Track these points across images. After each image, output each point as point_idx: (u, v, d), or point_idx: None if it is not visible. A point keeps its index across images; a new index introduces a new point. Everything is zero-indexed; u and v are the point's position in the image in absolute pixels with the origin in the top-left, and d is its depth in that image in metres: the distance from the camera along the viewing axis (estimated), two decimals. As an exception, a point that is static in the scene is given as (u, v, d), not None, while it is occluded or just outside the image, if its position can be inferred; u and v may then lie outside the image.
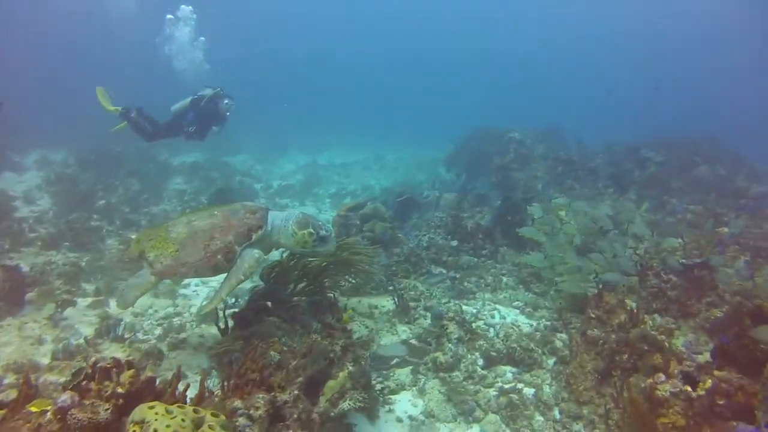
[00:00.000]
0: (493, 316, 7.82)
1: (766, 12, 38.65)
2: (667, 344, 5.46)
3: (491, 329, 7.31)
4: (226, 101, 10.69)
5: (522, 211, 10.53)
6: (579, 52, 58.69)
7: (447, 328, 6.86)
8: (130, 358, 5.94)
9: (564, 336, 7.00)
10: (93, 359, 3.62)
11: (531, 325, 7.55)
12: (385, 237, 9.33)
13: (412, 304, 7.71)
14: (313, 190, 18.51)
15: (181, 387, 3.66)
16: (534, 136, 18.16)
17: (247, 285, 7.22)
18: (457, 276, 8.86)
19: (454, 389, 5.87)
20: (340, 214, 10.45)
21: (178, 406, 3.12)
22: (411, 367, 6.28)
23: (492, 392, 5.95)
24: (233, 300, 7.51)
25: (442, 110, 43.72)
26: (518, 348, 6.52)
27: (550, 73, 57.97)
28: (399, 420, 5.46)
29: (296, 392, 4.15)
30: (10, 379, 5.35)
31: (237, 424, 3.61)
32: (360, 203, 10.82)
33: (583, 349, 5.92)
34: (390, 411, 5.59)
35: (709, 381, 4.40)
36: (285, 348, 4.94)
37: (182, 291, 8.49)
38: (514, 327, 7.27)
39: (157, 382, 3.72)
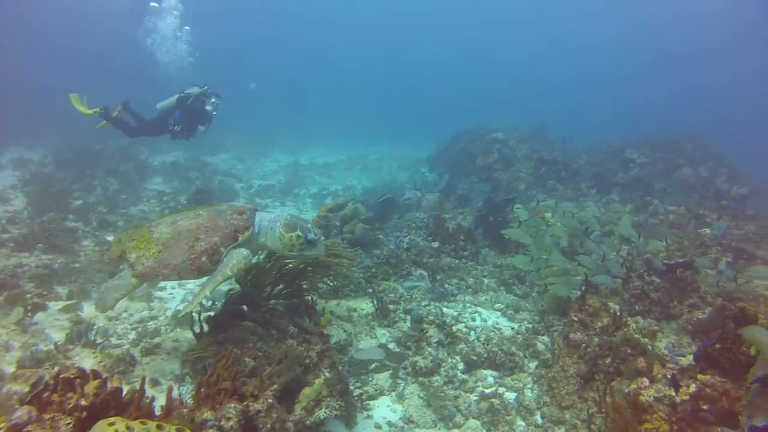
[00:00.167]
0: (474, 319, 7.69)
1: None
2: (650, 347, 5.38)
3: (472, 332, 7.18)
4: (212, 100, 10.52)
5: (504, 212, 10.45)
6: (566, 51, 58.99)
7: (427, 332, 6.75)
8: (102, 363, 5.81)
9: (546, 339, 6.91)
10: (56, 369, 3.44)
11: (512, 328, 7.43)
12: (365, 238, 9.19)
13: (391, 306, 7.57)
14: (294, 190, 18.31)
15: (152, 392, 3.49)
16: (518, 136, 18.12)
17: (225, 288, 7.05)
18: (438, 277, 8.73)
19: (434, 394, 5.76)
20: (320, 215, 10.31)
21: (141, 422, 2.95)
22: (390, 372, 6.15)
23: (473, 397, 5.86)
24: (210, 303, 7.31)
25: (427, 110, 43.64)
26: (499, 351, 6.43)
27: (536, 72, 58.14)
28: (377, 426, 5.34)
29: (270, 401, 4.01)
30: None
31: (207, 437, 3.46)
32: (340, 204, 10.68)
33: (566, 352, 5.85)
34: (368, 417, 5.48)
35: (693, 385, 4.33)
36: (260, 354, 4.80)
37: (158, 294, 8.28)
38: (496, 330, 7.16)
39: (125, 392, 3.55)
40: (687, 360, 5.79)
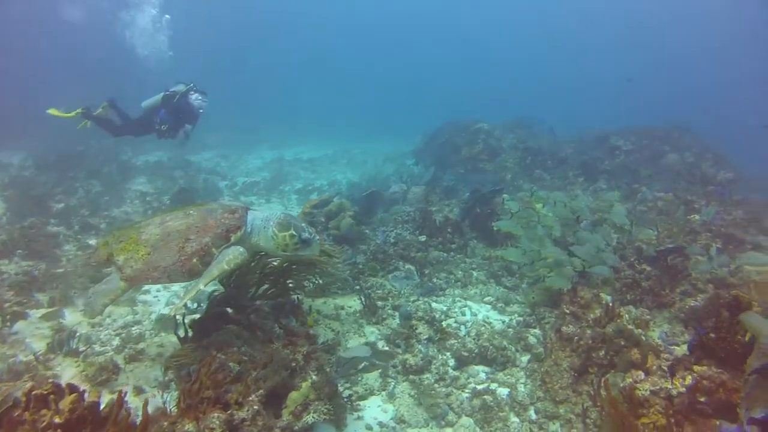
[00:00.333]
0: (463, 314, 7.57)
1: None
2: (644, 338, 5.29)
3: (462, 327, 7.07)
4: (199, 98, 10.32)
5: (491, 203, 10.35)
6: (565, 51, 59.07)
7: (416, 329, 6.62)
8: (84, 373, 5.64)
9: (537, 332, 6.80)
10: (29, 385, 3.28)
11: (503, 322, 7.33)
12: (350, 234, 9.05)
13: (379, 303, 7.43)
14: (279, 186, 18.11)
15: (136, 401, 3.33)
16: (503, 126, 18.03)
17: (209, 289, 6.87)
18: (426, 272, 8.60)
19: (425, 392, 5.64)
20: (304, 212, 10.15)
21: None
22: (379, 371, 6.02)
23: (465, 394, 5.75)
24: (196, 305, 7.13)
25: (412, 103, 43.56)
26: (490, 346, 6.31)
27: (534, 71, 58.20)
28: (368, 427, 5.22)
29: (256, 407, 3.87)
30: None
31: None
32: (325, 199, 10.51)
33: (558, 346, 5.76)
34: (359, 418, 5.35)
35: (689, 377, 4.24)
36: (245, 358, 4.65)
37: (142, 297, 8.07)
38: (486, 324, 7.06)
39: (104, 406, 3.40)
40: (681, 349, 5.72)
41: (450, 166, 16.18)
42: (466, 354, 6.27)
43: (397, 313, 7.22)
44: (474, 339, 6.48)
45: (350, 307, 7.45)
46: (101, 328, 6.93)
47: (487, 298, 8.04)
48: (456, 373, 6.07)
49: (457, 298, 8.01)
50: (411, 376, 5.95)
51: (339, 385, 5.37)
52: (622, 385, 4.67)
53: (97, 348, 6.36)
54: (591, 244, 6.94)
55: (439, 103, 39.49)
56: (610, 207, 8.65)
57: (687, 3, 47.34)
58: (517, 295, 8.12)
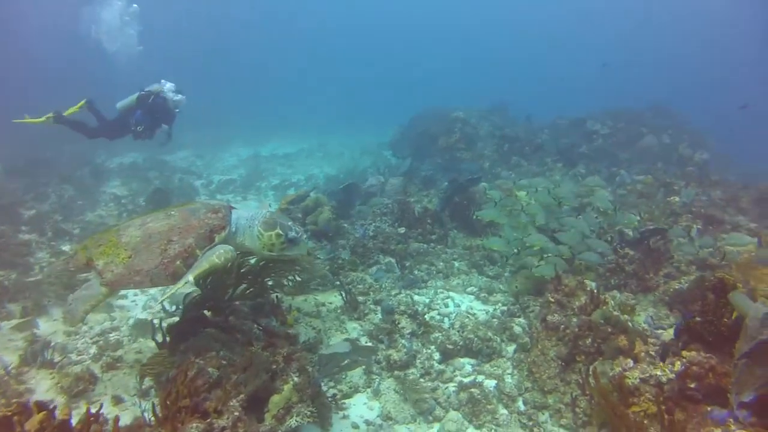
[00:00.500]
0: (446, 305, 7.47)
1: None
2: (630, 324, 5.22)
3: (446, 320, 6.97)
4: (175, 97, 10.09)
5: (469, 192, 10.25)
6: (525, 27, 59.09)
7: (399, 323, 6.50)
8: (59, 384, 5.44)
9: (522, 321, 6.73)
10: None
11: (487, 312, 7.24)
12: (328, 228, 8.89)
13: (360, 298, 7.28)
14: (255, 183, 17.90)
15: (115, 410, 3.17)
16: (479, 114, 17.96)
17: (188, 290, 6.68)
18: (407, 264, 8.48)
19: (411, 388, 5.54)
20: (281, 208, 9.97)
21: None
22: (363, 368, 5.90)
23: (451, 388, 5.67)
24: (174, 308, 6.92)
25: (388, 94, 43.35)
26: (475, 338, 6.21)
27: (495, 50, 58.19)
28: (355, 426, 5.12)
29: (236, 414, 3.71)
30: None
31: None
32: (301, 195, 10.32)
33: (544, 335, 5.68)
34: (344, 417, 5.24)
35: (678, 363, 4.16)
36: (224, 362, 4.49)
37: (119, 302, 7.87)
38: (470, 315, 6.96)
39: (75, 422, 3.23)
40: (668, 334, 5.65)
41: (428, 156, 16.06)
42: (450, 347, 6.17)
43: (379, 308, 7.10)
44: (458, 331, 6.37)
45: (331, 303, 7.29)
46: (77, 337, 6.72)
47: (469, 289, 7.95)
48: (441, 367, 5.98)
49: (439, 290, 7.90)
50: (396, 372, 5.84)
51: (322, 384, 5.25)
52: (611, 373, 4.59)
53: (74, 357, 6.16)
54: (576, 230, 6.88)
55: (416, 91, 39.47)
56: (592, 192, 8.60)
57: (687, 3, 47.67)
58: (500, 284, 8.04)
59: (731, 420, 3.47)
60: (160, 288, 6.89)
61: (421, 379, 5.74)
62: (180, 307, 6.59)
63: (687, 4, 47.64)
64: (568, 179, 12.20)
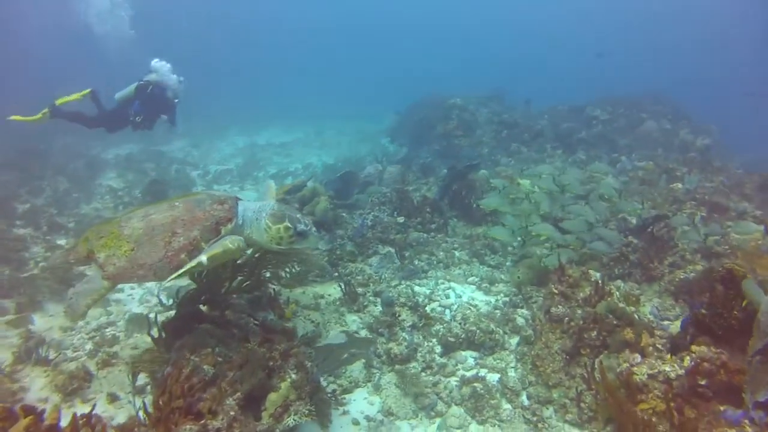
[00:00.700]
0: (447, 296, 7.34)
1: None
2: (636, 316, 5.10)
3: (447, 311, 6.85)
4: (174, 86, 9.94)
5: (469, 179, 10.12)
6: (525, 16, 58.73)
7: (399, 315, 6.39)
8: (53, 383, 5.31)
9: (525, 312, 6.61)
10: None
11: (489, 303, 7.12)
12: (326, 218, 8.74)
13: (360, 290, 7.16)
14: (252, 173, 17.74)
15: (110, 408, 3.04)
16: (477, 100, 17.77)
17: (183, 283, 6.53)
18: (407, 254, 8.35)
19: (412, 382, 5.44)
20: (276, 199, 9.80)
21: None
22: (363, 362, 5.78)
23: (453, 382, 5.57)
24: (171, 301, 6.76)
25: (386, 81, 42.97)
26: (478, 330, 6.09)
27: (494, 38, 57.89)
28: (355, 422, 5.03)
29: (232, 413, 3.61)
30: None
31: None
32: (298, 185, 10.13)
33: (548, 327, 5.55)
34: (344, 413, 5.15)
35: (688, 358, 4.05)
36: (219, 359, 4.35)
37: (116, 296, 7.72)
38: (472, 307, 6.83)
39: (64, 425, 3.10)
40: (675, 326, 5.53)
41: (426, 144, 15.92)
42: (452, 339, 6.05)
43: (378, 300, 6.98)
44: (460, 323, 6.25)
45: (330, 295, 7.17)
46: (73, 332, 6.62)
47: (471, 279, 7.83)
48: (443, 360, 5.87)
49: (440, 280, 7.78)
50: (396, 366, 5.72)
51: (322, 379, 5.14)
52: (618, 369, 4.47)
53: (70, 354, 6.06)
54: (581, 218, 6.76)
55: (414, 79, 39.19)
56: (598, 179, 8.47)
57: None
58: (501, 273, 7.91)
59: (746, 421, 3.35)
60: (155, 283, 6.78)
61: (423, 373, 5.64)
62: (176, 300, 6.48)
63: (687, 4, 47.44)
64: (572, 166, 12.04)
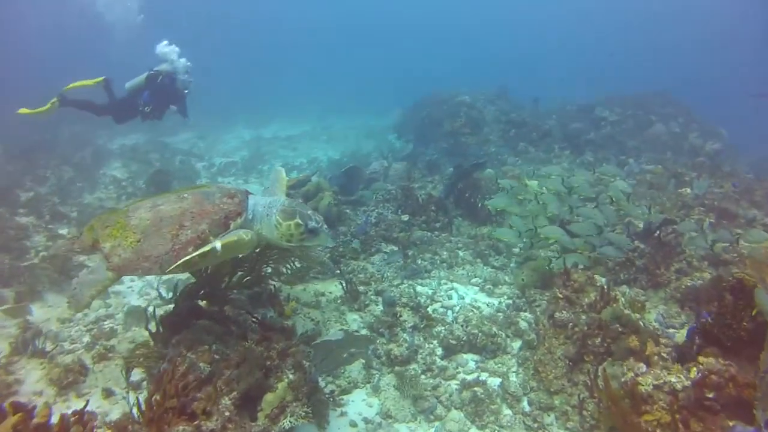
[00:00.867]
0: (450, 297, 7.25)
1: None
2: (642, 324, 5.00)
3: (449, 312, 6.75)
4: (184, 77, 9.89)
5: (474, 179, 10.02)
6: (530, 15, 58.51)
7: (400, 316, 6.29)
8: (49, 376, 5.24)
9: (529, 316, 6.51)
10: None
11: (492, 305, 7.03)
12: (330, 214, 8.65)
13: (361, 288, 7.07)
14: (257, 166, 17.66)
15: (105, 404, 2.96)
16: (485, 98, 17.65)
17: (182, 277, 6.45)
18: (410, 253, 8.25)
19: (412, 384, 5.35)
20: (283, 188, 9.74)
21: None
22: (362, 362, 5.70)
23: (454, 385, 5.48)
24: (170, 294, 6.66)
25: (393, 76, 42.80)
26: (480, 333, 6.00)
27: (494, 38, 57.66)
28: (353, 424, 4.95)
29: (227, 414, 3.53)
30: None
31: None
32: (301, 179, 10.04)
33: (552, 333, 5.46)
34: (342, 415, 5.06)
35: (694, 369, 3.94)
36: (216, 356, 4.27)
37: (115, 287, 7.61)
38: (474, 309, 6.73)
39: (55, 422, 3.03)
40: (680, 335, 5.43)
41: (432, 141, 15.81)
42: (453, 342, 5.97)
43: (380, 299, 6.90)
44: (462, 325, 6.16)
45: (331, 293, 7.08)
46: (71, 324, 6.56)
47: (474, 280, 7.74)
48: (444, 363, 5.78)
49: (443, 280, 7.69)
50: (396, 368, 5.64)
51: (320, 379, 5.06)
52: (623, 378, 4.37)
53: (67, 346, 5.99)
54: (590, 222, 6.66)
55: (421, 76, 38.99)
56: (608, 181, 8.36)
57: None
58: (505, 275, 7.81)
59: (758, 438, 3.25)
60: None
61: (423, 376, 5.55)
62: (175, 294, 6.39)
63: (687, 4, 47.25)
64: (581, 168, 11.93)
